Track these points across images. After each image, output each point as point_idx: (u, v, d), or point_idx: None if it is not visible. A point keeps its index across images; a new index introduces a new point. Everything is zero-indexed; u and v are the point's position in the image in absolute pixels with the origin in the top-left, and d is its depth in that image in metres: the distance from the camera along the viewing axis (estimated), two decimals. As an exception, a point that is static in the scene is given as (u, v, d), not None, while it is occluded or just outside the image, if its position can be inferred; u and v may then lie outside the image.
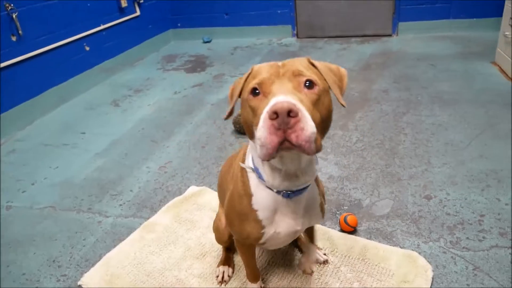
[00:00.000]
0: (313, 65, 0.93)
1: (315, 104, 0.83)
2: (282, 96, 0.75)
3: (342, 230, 1.77)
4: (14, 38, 3.12)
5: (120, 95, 3.68)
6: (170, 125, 2.97)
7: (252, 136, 0.89)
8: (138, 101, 3.50)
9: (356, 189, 2.04)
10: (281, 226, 1.08)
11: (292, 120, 0.71)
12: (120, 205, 2.15)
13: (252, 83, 0.86)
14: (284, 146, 0.74)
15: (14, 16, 3.06)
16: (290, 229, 1.09)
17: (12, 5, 3.04)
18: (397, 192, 1.97)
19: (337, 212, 1.89)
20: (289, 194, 1.02)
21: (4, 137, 3.04)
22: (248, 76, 0.94)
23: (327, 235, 1.75)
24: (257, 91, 0.84)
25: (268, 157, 0.77)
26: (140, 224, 1.97)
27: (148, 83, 3.90)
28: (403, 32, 4.51)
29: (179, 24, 5.21)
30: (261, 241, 1.12)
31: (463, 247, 1.60)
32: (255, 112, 0.84)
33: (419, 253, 1.59)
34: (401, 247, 1.64)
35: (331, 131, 2.59)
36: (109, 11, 4.13)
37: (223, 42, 4.98)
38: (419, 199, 1.90)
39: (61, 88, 3.57)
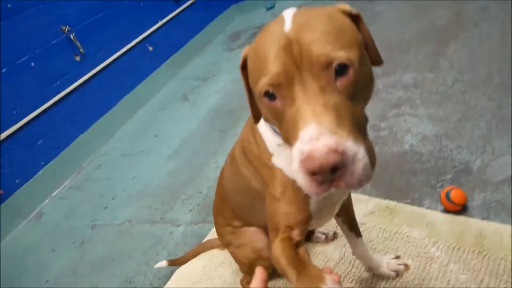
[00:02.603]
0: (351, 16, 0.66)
1: (354, 94, 0.59)
2: (314, 126, 0.54)
3: (446, 210, 1.33)
4: (77, 58, 3.16)
5: (189, 87, 3.54)
6: (237, 110, 2.72)
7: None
8: (206, 90, 3.32)
9: (461, 148, 1.54)
10: None
11: (339, 171, 0.54)
12: (190, 210, 2.00)
13: (263, 84, 0.61)
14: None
15: (72, 36, 3.09)
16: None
17: (67, 26, 3.06)
18: (521, 143, 1.43)
19: (437, 185, 1.45)
20: None
21: (91, 154, 3.13)
22: (243, 63, 0.70)
23: (425, 220, 1.33)
24: (271, 92, 0.61)
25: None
26: (209, 230, 1.79)
27: (214, 68, 3.70)
28: None
29: (239, -3, 4.90)
30: (310, 207, 0.81)
31: None
32: (277, 119, 0.64)
33: None
34: (537, 227, 1.16)
35: (418, 77, 2.06)
36: (164, 5, 3.99)
37: (288, 4, 4.52)
38: (556, 149, 1.35)
39: (134, 94, 3.56)
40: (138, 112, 3.54)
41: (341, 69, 0.58)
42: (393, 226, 1.38)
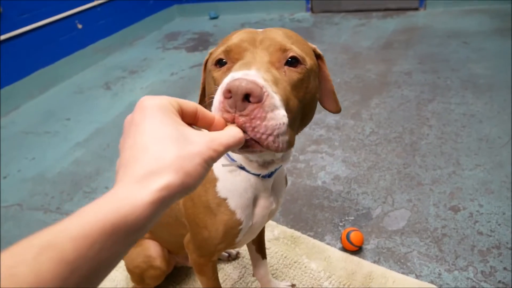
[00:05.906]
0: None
1: (295, 87, 0.62)
2: (248, 70, 0.54)
3: (344, 249, 1.43)
4: (-7, 15, 2.84)
5: (114, 77, 3.37)
6: (161, 111, 2.65)
7: None
8: (131, 83, 3.19)
9: (366, 194, 1.68)
10: (258, 211, 0.86)
11: (250, 107, 0.51)
12: (92, 205, 1.87)
13: (218, 52, 0.64)
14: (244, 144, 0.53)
15: (-8, -10, 2.78)
16: (266, 210, 0.87)
17: (-11, -23, 2.75)
18: (416, 201, 1.60)
19: (340, 224, 1.55)
20: (271, 174, 0.81)
21: (-15, 123, 2.80)
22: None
23: (324, 255, 1.41)
24: (223, 60, 0.63)
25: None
26: (109, 230, 1.68)
27: (144, 64, 3.58)
28: (431, 5, 4.01)
29: (184, -1, 4.84)
30: (237, 239, 0.88)
31: (499, 281, 1.23)
32: (217, 85, 0.63)
33: (441, 286, 1.24)
34: (417, 276, 1.29)
35: (340, 121, 2.22)
36: (105, -15, 3.80)
37: (231, 18, 4.59)
38: (443, 211, 1.53)
39: (50, 70, 3.28)
40: (51, 90, 3.26)
41: (293, 61, 0.62)
42: (294, 255, 1.44)
